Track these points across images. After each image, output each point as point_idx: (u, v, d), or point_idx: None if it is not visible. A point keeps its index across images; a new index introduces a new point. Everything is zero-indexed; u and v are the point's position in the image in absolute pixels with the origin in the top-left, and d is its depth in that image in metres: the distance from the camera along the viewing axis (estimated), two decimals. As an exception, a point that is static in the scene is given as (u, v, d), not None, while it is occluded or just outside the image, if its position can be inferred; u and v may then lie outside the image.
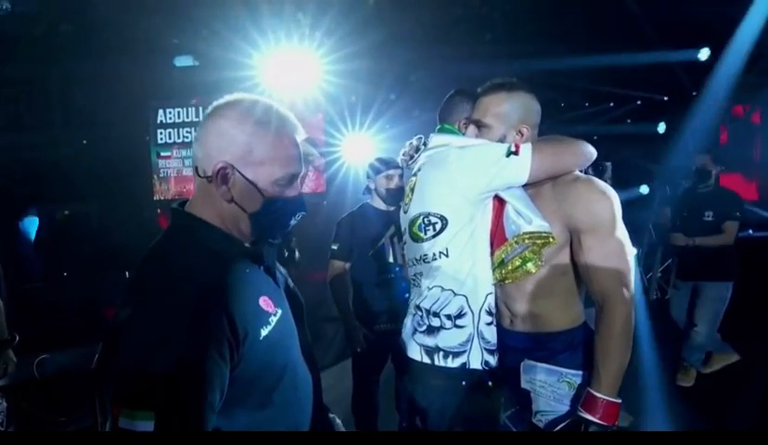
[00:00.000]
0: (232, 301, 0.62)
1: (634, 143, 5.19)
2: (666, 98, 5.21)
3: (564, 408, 1.08)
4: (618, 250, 1.03)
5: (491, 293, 1.21)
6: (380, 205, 2.23)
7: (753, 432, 1.89)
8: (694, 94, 4.45)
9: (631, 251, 1.05)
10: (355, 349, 2.22)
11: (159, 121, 7.75)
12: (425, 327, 1.25)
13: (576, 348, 1.11)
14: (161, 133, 7.70)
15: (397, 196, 2.12)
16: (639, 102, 5.31)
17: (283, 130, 0.71)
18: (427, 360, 1.24)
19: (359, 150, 4.68)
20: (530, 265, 1.07)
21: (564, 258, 1.11)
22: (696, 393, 2.67)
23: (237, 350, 0.62)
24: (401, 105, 5.97)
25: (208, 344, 0.58)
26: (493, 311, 1.22)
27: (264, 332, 0.66)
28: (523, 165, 1.08)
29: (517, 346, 1.19)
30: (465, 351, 1.20)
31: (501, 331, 1.24)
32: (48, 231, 6.86)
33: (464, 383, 1.19)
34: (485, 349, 1.21)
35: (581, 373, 1.09)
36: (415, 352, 1.27)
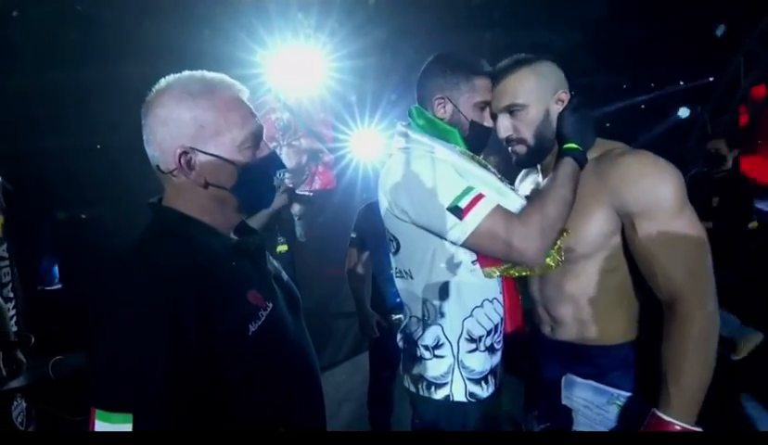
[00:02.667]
0: (211, 299, 0.60)
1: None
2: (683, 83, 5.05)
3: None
4: (687, 237, 0.83)
5: (468, 317, 1.05)
6: None
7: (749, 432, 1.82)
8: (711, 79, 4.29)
9: (705, 242, 0.84)
10: (370, 337, 2.25)
11: (170, 124, 7.90)
12: (409, 354, 1.16)
13: (633, 365, 0.91)
14: (173, 136, 7.83)
15: None
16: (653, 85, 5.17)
17: (225, 92, 0.67)
18: (413, 389, 1.15)
19: (368, 146, 4.66)
20: (548, 259, 0.90)
21: (613, 249, 0.92)
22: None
23: (221, 348, 0.59)
24: (410, 100, 5.93)
25: (183, 344, 0.56)
26: (476, 336, 1.06)
27: (253, 327, 0.63)
28: (462, 231, 0.93)
29: (557, 357, 1.04)
30: (447, 383, 1.08)
31: (541, 339, 1.10)
32: (64, 235, 7.00)
33: (450, 417, 1.08)
34: (469, 379, 1.07)
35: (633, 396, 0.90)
36: (404, 379, 1.20)
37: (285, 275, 0.83)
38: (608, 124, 8.38)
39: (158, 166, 0.66)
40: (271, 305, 0.68)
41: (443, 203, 0.95)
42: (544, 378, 1.08)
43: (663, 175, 0.86)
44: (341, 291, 2.73)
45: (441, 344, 1.07)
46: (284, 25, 5.12)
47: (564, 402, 0.99)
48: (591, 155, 0.98)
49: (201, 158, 0.64)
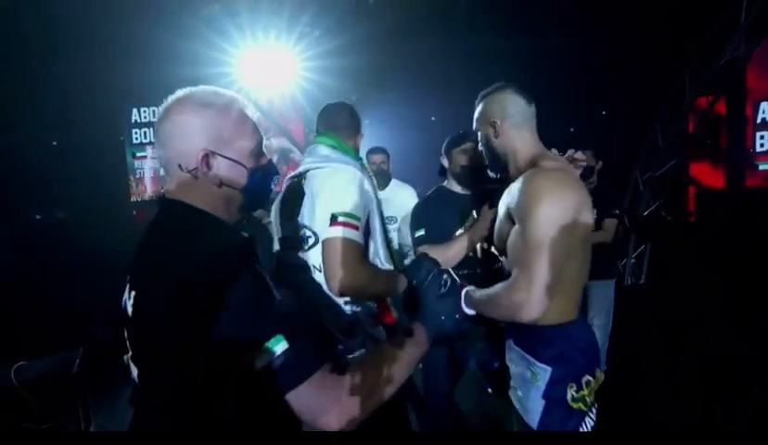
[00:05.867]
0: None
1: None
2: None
3: (526, 391, 1.13)
4: (527, 238, 1.04)
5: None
6: (456, 188, 1.91)
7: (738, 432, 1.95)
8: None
9: (541, 244, 1.02)
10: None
11: (133, 121, 7.57)
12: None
13: (552, 344, 1.11)
14: (136, 133, 7.50)
15: (474, 175, 1.84)
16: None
17: (239, 106, 0.76)
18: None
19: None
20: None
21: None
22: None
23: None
24: (381, 101, 6.00)
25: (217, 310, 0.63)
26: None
27: None
28: (324, 233, 1.16)
29: (509, 330, 1.24)
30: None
31: None
32: (20, 236, 6.61)
33: None
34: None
35: (548, 368, 1.10)
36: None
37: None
38: (572, 129, 8.82)
39: (179, 165, 0.72)
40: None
41: (333, 208, 1.17)
42: (504, 342, 1.28)
43: (534, 195, 1.05)
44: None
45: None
46: (255, 24, 5.07)
47: (506, 361, 1.23)
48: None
49: (219, 160, 0.73)
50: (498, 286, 1.09)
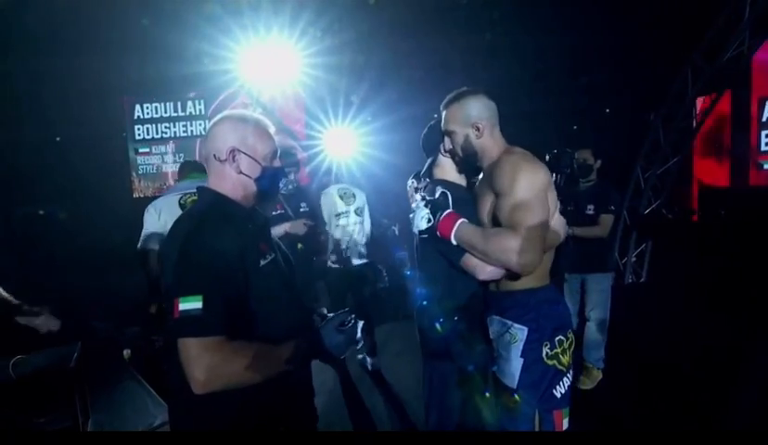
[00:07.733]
0: (243, 243, 0.98)
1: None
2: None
3: (506, 353, 1.23)
4: (512, 212, 1.15)
5: None
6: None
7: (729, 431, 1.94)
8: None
9: (531, 210, 1.13)
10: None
11: (136, 117, 7.56)
12: None
13: (526, 307, 1.23)
14: (139, 129, 7.50)
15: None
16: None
17: (261, 124, 1.08)
18: None
19: (342, 143, 4.66)
20: None
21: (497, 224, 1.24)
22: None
23: (247, 271, 0.97)
24: (383, 98, 5.98)
25: (230, 266, 0.94)
26: None
27: (262, 262, 1.01)
28: None
29: (487, 304, 1.35)
30: None
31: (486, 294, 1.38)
32: (22, 232, 6.66)
33: None
34: None
35: (525, 328, 1.22)
36: None
37: (284, 248, 1.19)
38: (575, 127, 8.79)
39: (214, 155, 1.03)
40: (273, 254, 1.06)
41: None
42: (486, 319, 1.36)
43: (514, 172, 1.17)
44: (311, 287, 2.77)
45: None
46: (257, 21, 5.05)
47: (491, 336, 1.31)
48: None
49: (242, 156, 1.03)
50: (492, 229, 1.18)
